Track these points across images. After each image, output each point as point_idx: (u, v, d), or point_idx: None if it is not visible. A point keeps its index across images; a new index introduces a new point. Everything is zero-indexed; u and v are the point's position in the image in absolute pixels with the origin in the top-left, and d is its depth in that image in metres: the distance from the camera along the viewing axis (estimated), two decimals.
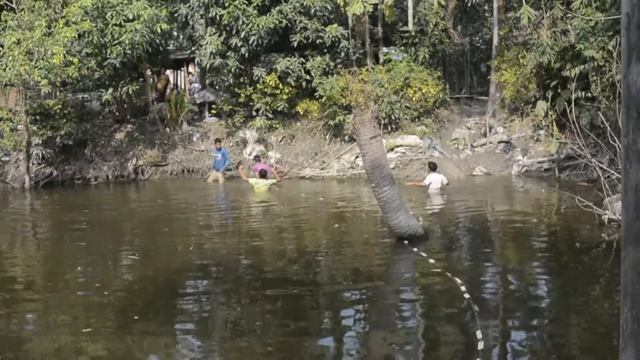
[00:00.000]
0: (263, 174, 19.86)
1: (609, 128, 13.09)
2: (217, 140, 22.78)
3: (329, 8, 22.98)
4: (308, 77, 22.86)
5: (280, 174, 21.29)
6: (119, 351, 7.10)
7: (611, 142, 13.01)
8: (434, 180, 18.16)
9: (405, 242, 11.41)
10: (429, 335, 7.44)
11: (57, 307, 8.87)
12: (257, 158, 21.96)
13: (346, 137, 22.69)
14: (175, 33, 26.62)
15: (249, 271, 10.71)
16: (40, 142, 21.95)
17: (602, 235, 11.70)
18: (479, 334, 6.97)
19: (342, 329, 7.71)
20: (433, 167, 18.61)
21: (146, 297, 9.18)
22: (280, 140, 23.48)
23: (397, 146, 21.90)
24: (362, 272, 10.19)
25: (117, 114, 25.08)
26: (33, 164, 22.10)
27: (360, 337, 7.57)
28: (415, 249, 11.01)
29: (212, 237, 13.49)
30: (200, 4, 23.02)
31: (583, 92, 18.81)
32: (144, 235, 14.00)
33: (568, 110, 15.08)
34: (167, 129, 24.63)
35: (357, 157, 21.09)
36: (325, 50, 23.19)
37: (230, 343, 7.41)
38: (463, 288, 8.65)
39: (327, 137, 23.23)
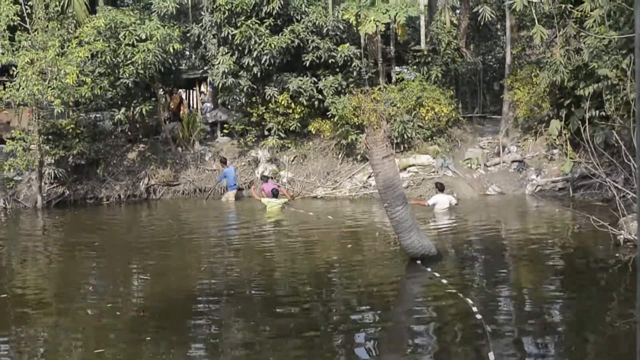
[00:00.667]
0: (275, 194, 19.82)
1: (623, 147, 12.98)
2: (222, 161, 23.16)
3: (341, 27, 23.04)
4: (320, 97, 22.88)
5: (290, 192, 21.31)
6: None
7: (626, 161, 12.92)
8: (440, 201, 18.01)
9: (418, 262, 11.32)
10: (441, 357, 7.34)
11: (68, 327, 8.84)
12: (264, 178, 21.91)
13: (358, 157, 22.65)
14: (187, 53, 26.72)
15: (261, 291, 10.65)
16: (53, 161, 22.05)
17: (618, 255, 11.57)
18: (491, 356, 6.87)
19: (353, 351, 7.62)
20: (441, 188, 18.50)
21: (158, 317, 9.14)
22: (292, 160, 23.46)
23: (410, 165, 21.82)
24: (374, 293, 10.11)
25: (129, 133, 25.16)
26: (45, 183, 22.16)
27: (373, 356, 7.48)
28: (428, 269, 10.92)
29: (223, 257, 13.46)
30: (213, 24, 23.13)
31: (597, 111, 18.69)
32: (155, 255, 13.97)
33: (582, 129, 15.01)
34: (179, 149, 24.68)
35: (369, 176, 21.03)
36: (338, 70, 23.21)
37: None
38: (475, 309, 8.55)
39: (340, 156, 23.19)
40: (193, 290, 10.71)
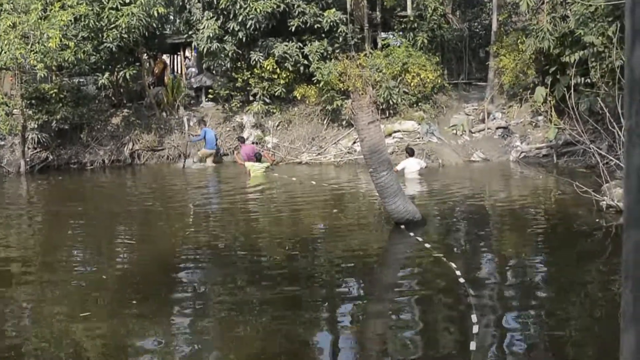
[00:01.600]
0: (258, 157, 19.89)
1: (608, 114, 13.05)
2: (202, 122, 23.41)
3: None
4: (306, 62, 22.75)
5: (272, 157, 21.35)
6: (116, 335, 7.08)
7: (610, 128, 12.98)
8: (409, 165, 18.15)
9: (402, 226, 11.38)
10: (425, 319, 7.43)
11: (53, 292, 8.86)
12: (241, 139, 21.97)
13: (344, 123, 22.61)
14: (172, 17, 26.44)
15: (246, 256, 10.69)
16: (36, 126, 21.84)
17: (600, 221, 11.70)
18: (474, 318, 6.96)
19: (338, 311, 7.70)
20: (411, 153, 18.66)
21: (143, 281, 9.16)
22: (277, 126, 23.38)
23: (395, 131, 21.83)
24: (359, 258, 10.17)
25: (113, 98, 24.97)
26: (29, 148, 21.99)
27: (357, 318, 7.56)
28: (412, 234, 10.98)
29: (208, 223, 13.48)
30: None
31: (582, 78, 18.74)
32: (140, 220, 13.97)
33: (567, 96, 15.06)
34: (164, 114, 24.53)
35: (354, 142, 21.02)
36: (323, 35, 23.05)
37: (226, 328, 7.40)
38: (458, 273, 8.64)
39: (325, 122, 23.14)
40: (178, 255, 10.73)
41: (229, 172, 20.72)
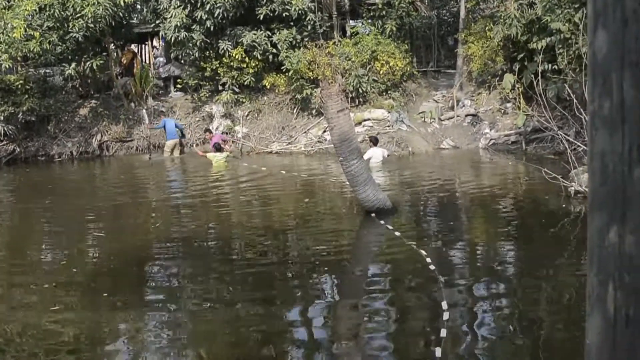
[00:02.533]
0: (218, 148, 19.90)
1: (575, 100, 13.17)
2: (162, 113, 23.47)
3: None
4: (274, 51, 22.69)
5: (229, 146, 21.25)
6: (88, 328, 7.03)
7: (577, 114, 13.11)
8: (375, 155, 18.17)
9: (373, 215, 11.41)
10: (396, 306, 7.46)
11: (22, 286, 8.75)
12: (208, 131, 22.00)
13: (313, 111, 22.60)
14: (139, 6, 26.20)
15: (217, 245, 10.67)
16: (2, 118, 21.53)
17: (569, 206, 11.82)
18: (444, 305, 7.01)
19: (310, 301, 7.71)
20: (374, 142, 18.77)
21: (114, 273, 9.10)
22: (247, 115, 23.31)
23: (365, 120, 21.85)
24: (330, 245, 10.19)
25: (80, 89, 24.70)
26: None
27: (329, 307, 7.58)
28: (382, 222, 11.02)
29: (178, 214, 13.40)
30: None
31: (550, 65, 18.88)
32: (109, 212, 13.85)
33: (535, 83, 15.16)
34: (132, 104, 24.32)
35: (324, 131, 21.02)
36: (292, 24, 22.99)
37: (199, 315, 7.39)
38: (429, 260, 8.69)
39: (295, 111, 23.11)
40: (149, 247, 10.67)
41: (197, 163, 20.58)
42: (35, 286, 8.63)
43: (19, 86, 21.62)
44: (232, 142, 21.86)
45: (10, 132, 21.63)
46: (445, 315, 6.76)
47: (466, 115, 21.87)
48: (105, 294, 8.07)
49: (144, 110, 23.11)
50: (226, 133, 22.52)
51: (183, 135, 22.69)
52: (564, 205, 11.92)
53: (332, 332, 6.95)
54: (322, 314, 7.42)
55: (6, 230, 12.81)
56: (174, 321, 7.27)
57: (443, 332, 6.40)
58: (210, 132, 21.93)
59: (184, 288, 8.40)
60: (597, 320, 1.74)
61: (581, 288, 7.31)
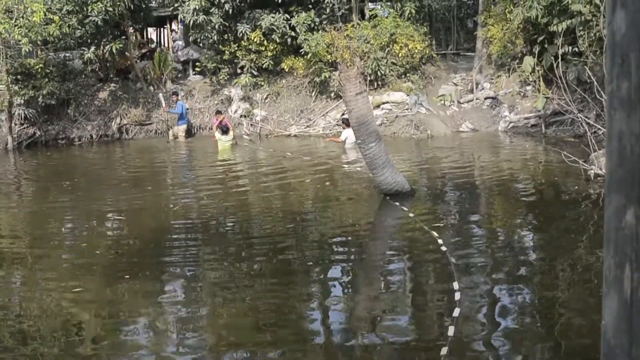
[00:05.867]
0: (225, 130, 19.91)
1: (595, 83, 13.06)
2: (175, 94, 23.18)
3: None
4: (293, 34, 22.65)
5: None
6: (108, 311, 7.09)
7: (598, 97, 13.01)
8: (350, 135, 18.19)
9: (387, 198, 11.41)
10: (412, 289, 7.48)
11: (44, 268, 8.84)
12: (219, 112, 21.90)
13: (332, 94, 22.56)
14: None
15: (236, 229, 10.72)
16: (23, 102, 21.69)
17: (589, 189, 11.74)
18: (455, 285, 7.05)
19: (330, 286, 7.73)
20: (347, 123, 18.63)
21: (133, 256, 9.16)
22: (266, 98, 23.33)
23: (384, 103, 21.80)
24: (347, 230, 10.21)
25: (99, 72, 24.80)
26: (15, 124, 21.87)
27: (348, 293, 7.61)
28: (398, 204, 11.01)
29: (197, 197, 13.46)
30: None
31: (570, 47, 18.71)
32: (129, 195, 13.94)
33: (555, 66, 15.04)
34: (151, 88, 24.39)
35: (343, 114, 20.98)
36: (310, 6, 22.94)
37: (218, 296, 7.44)
38: (440, 241, 8.72)
39: (313, 94, 23.09)
40: (168, 229, 10.74)
41: (214, 146, 20.59)
42: (57, 267, 8.72)
43: (39, 70, 21.74)
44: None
45: (31, 115, 21.80)
46: (457, 295, 6.79)
47: (485, 98, 21.74)
48: (126, 276, 8.13)
49: (161, 94, 23.16)
50: (245, 116, 22.55)
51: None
52: (583, 189, 11.84)
53: (349, 314, 6.98)
54: (341, 295, 7.47)
55: (26, 213, 12.92)
56: (193, 302, 7.33)
57: (456, 312, 6.42)
58: (221, 113, 21.84)
59: (202, 273, 8.44)
60: (613, 301, 1.74)
61: (600, 272, 7.28)
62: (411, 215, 10.33)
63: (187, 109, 22.99)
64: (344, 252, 9.22)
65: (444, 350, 5.69)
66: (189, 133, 22.67)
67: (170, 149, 20.88)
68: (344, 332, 6.44)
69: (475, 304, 6.88)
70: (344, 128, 19.09)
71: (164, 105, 22.70)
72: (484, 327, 6.33)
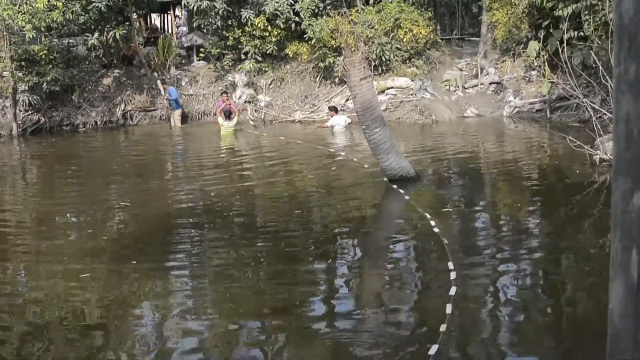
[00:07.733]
0: (228, 115, 19.92)
1: (601, 68, 13.01)
2: (163, 82, 23.35)
3: None
4: (297, 19, 22.56)
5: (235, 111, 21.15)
6: (114, 296, 7.11)
7: (603, 81, 12.96)
8: (337, 122, 19.71)
9: (395, 186, 11.39)
10: (411, 273, 7.51)
11: (50, 254, 8.87)
12: (225, 93, 21.81)
13: (336, 80, 22.51)
14: None
15: (241, 214, 10.71)
16: (27, 88, 21.65)
17: (594, 174, 11.73)
18: (450, 265, 7.22)
19: (333, 271, 7.75)
20: (335, 110, 20.43)
21: (139, 242, 9.19)
22: (270, 84, 23.28)
23: (388, 88, 21.74)
24: (351, 215, 10.24)
25: (103, 59, 24.75)
26: (20, 110, 21.83)
27: (351, 278, 7.63)
28: (401, 190, 10.99)
29: (201, 183, 13.45)
30: None
31: (575, 32, 18.62)
32: (134, 180, 13.96)
33: (560, 50, 14.98)
34: (155, 74, 24.34)
35: (347, 99, 20.94)
36: None
37: (224, 281, 7.47)
38: (433, 223, 8.85)
39: (317, 79, 23.03)
40: (173, 215, 10.75)
41: (216, 132, 20.57)
42: (62, 254, 8.74)
43: (43, 56, 21.69)
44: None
45: (35, 102, 21.76)
46: (452, 275, 6.90)
47: (490, 83, 21.67)
48: (133, 262, 8.14)
49: (159, 81, 23.12)
50: (249, 102, 22.54)
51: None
52: (588, 174, 11.82)
53: (353, 298, 7.01)
54: (345, 280, 7.50)
55: (32, 199, 12.94)
56: (199, 287, 7.36)
57: (452, 290, 6.46)
58: (227, 93, 21.76)
59: (208, 259, 8.46)
60: (620, 285, 1.74)
61: (606, 257, 7.28)
62: (414, 203, 10.32)
63: (180, 94, 22.97)
64: (348, 238, 9.23)
65: (442, 327, 5.78)
66: (184, 119, 22.63)
67: (172, 135, 20.90)
68: (346, 317, 6.45)
69: (471, 285, 6.95)
70: (331, 116, 20.22)
71: (163, 92, 22.66)
72: (482, 306, 6.37)
